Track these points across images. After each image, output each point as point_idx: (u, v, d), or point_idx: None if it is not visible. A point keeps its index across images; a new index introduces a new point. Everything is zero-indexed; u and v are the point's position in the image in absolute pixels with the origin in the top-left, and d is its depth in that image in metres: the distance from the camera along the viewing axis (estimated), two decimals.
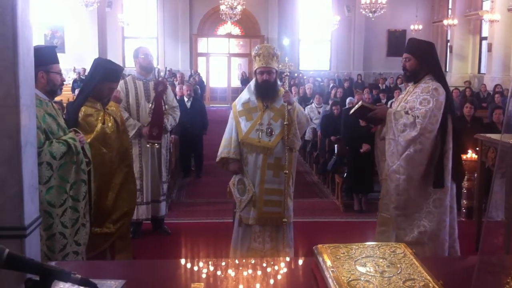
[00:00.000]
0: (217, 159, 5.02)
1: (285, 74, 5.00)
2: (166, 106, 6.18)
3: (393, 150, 4.57)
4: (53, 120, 3.77)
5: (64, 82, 4.17)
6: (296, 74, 22.63)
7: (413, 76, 4.72)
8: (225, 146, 4.97)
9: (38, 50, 3.67)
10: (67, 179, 3.68)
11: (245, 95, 5.06)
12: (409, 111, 4.54)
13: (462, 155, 7.03)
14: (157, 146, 6.15)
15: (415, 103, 4.55)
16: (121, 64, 21.71)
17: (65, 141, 3.69)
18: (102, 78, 4.70)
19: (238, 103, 5.03)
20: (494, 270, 2.19)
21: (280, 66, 5.00)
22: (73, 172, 3.71)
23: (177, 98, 8.72)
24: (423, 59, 4.67)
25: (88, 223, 3.92)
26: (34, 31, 3.16)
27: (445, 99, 4.55)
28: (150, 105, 6.00)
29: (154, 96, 6.03)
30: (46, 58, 3.80)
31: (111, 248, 4.77)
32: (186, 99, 9.87)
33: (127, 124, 5.92)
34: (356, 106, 4.88)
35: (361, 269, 2.29)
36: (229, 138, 4.97)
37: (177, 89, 10.15)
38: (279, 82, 5.15)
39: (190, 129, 9.68)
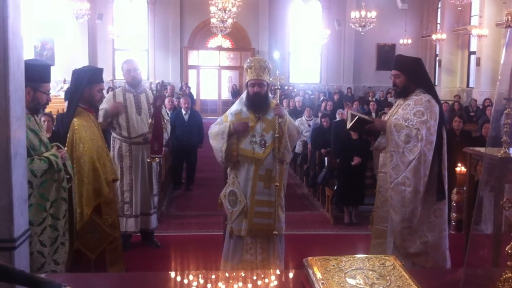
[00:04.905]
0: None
1: (275, 87, 5.00)
2: (165, 120, 6.15)
3: (396, 162, 4.58)
4: (35, 135, 3.71)
5: (49, 102, 4.11)
6: (286, 87, 22.68)
7: (403, 92, 4.78)
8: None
9: (32, 66, 3.61)
10: (47, 197, 3.61)
11: (236, 106, 5.03)
12: (405, 123, 4.58)
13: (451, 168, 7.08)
14: (157, 161, 6.09)
15: (409, 115, 4.59)
16: (111, 77, 21.32)
17: (46, 158, 3.62)
18: (89, 81, 4.72)
19: (229, 114, 4.99)
20: (480, 282, 2.20)
21: (271, 79, 5.01)
22: (53, 190, 3.64)
23: (168, 110, 8.68)
24: (412, 75, 4.73)
25: (68, 241, 3.84)
26: (24, 43, 3.15)
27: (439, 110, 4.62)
28: (150, 120, 5.87)
29: (154, 111, 5.90)
30: (38, 76, 3.75)
31: (98, 262, 4.71)
32: (184, 112, 9.82)
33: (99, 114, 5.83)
34: (353, 120, 4.85)
35: (351, 281, 2.29)
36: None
37: (166, 101, 10.04)
38: (270, 95, 5.15)
39: (187, 141, 9.65)
